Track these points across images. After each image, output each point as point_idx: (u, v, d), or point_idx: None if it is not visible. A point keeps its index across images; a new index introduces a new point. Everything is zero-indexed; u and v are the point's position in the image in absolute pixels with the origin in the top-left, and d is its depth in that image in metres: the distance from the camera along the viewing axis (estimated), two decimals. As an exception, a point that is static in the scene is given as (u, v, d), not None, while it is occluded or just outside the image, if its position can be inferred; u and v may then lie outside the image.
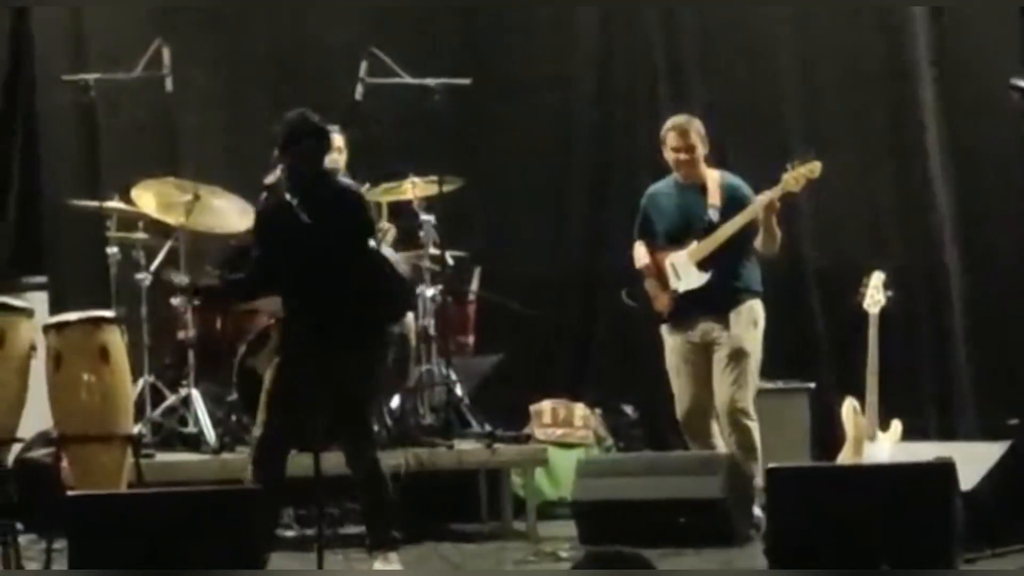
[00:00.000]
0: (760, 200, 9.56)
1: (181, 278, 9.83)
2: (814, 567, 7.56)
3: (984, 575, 7.72)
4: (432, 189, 10.30)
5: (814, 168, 9.65)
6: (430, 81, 10.45)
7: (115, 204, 10.40)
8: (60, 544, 8.10)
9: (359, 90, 10.44)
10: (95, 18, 11.67)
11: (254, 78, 11.81)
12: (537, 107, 11.99)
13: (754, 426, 9.61)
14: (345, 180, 8.69)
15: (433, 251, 10.22)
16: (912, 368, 10.91)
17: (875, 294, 9.93)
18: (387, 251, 8.95)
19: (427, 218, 10.26)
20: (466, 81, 10.58)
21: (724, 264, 9.66)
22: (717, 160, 9.94)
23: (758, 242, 9.67)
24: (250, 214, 10.34)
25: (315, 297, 8.36)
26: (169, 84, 10.54)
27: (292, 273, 8.45)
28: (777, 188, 9.57)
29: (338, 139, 10.17)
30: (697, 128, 9.84)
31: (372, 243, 8.50)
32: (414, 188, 10.38)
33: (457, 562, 8.99)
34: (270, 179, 8.43)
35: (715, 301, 9.68)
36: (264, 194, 8.53)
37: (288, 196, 8.31)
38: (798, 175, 9.61)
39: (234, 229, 10.48)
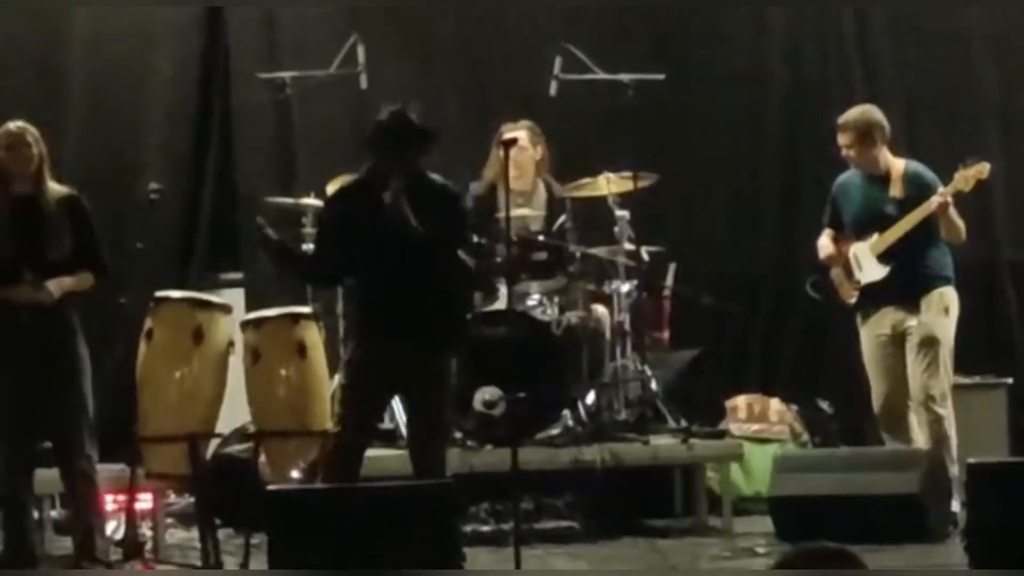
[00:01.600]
0: (933, 199, 9.47)
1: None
2: (1016, 565, 7.55)
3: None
4: (627, 185, 10.30)
5: (983, 170, 9.56)
6: (624, 77, 10.48)
7: (311, 201, 10.51)
8: (257, 539, 8.28)
9: (553, 86, 10.46)
10: (287, 16, 11.79)
11: (445, 72, 11.86)
12: (731, 102, 11.95)
13: (948, 416, 9.53)
14: (441, 180, 8.57)
15: (628, 247, 10.21)
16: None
17: (1073, 287, 9.92)
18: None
19: (622, 214, 10.25)
20: (660, 76, 10.59)
21: (909, 254, 9.60)
22: (907, 148, 9.87)
23: (943, 231, 9.63)
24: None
25: (399, 293, 8.27)
26: (364, 81, 10.67)
27: (374, 267, 8.35)
28: (949, 188, 9.50)
29: (524, 135, 10.30)
30: (867, 120, 9.76)
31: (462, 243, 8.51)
32: (608, 184, 10.37)
33: (653, 558, 9.01)
34: (358, 175, 8.47)
35: (903, 290, 9.64)
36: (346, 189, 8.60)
37: (383, 191, 8.22)
38: (968, 176, 9.52)
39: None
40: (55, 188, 8.49)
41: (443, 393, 8.43)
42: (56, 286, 8.31)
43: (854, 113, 9.87)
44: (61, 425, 8.42)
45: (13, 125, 8.42)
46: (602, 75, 10.51)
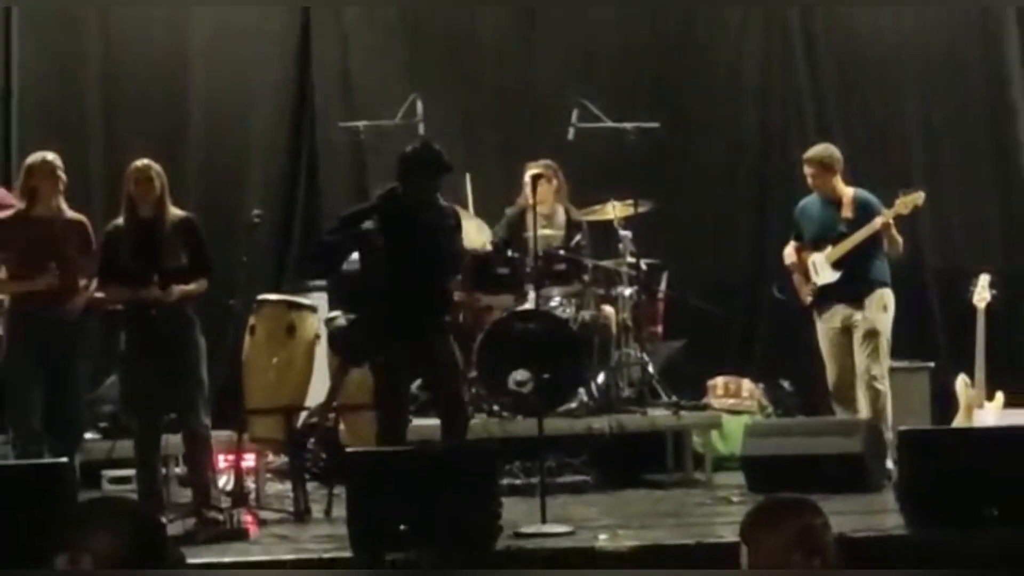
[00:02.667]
0: (877, 220, 9.50)
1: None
2: (934, 508, 7.61)
3: None
4: (629, 210, 10.36)
5: (919, 198, 9.60)
6: (627, 125, 10.52)
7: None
8: (338, 491, 8.34)
9: (571, 132, 10.47)
10: (362, 76, 11.82)
11: (486, 121, 11.86)
12: (712, 143, 11.95)
13: (885, 392, 9.52)
14: (446, 203, 8.57)
15: (630, 259, 10.25)
16: (1011, 351, 10.72)
17: (982, 292, 9.91)
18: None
19: (625, 233, 10.29)
20: (655, 124, 10.64)
21: (856, 263, 9.60)
22: (853, 178, 9.90)
23: (885, 246, 9.64)
24: (486, 231, 10.54)
25: (416, 293, 8.25)
26: (421, 128, 10.65)
27: (394, 271, 8.24)
28: (891, 211, 9.53)
29: (547, 171, 10.27)
30: (830, 155, 9.78)
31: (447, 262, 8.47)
32: (615, 210, 10.43)
33: (650, 505, 9.01)
34: (384, 190, 8.48)
35: (850, 291, 9.64)
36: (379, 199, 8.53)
37: (415, 209, 8.26)
38: (907, 202, 9.54)
39: (473, 243, 10.41)
40: (174, 212, 8.48)
41: (456, 371, 8.53)
42: (175, 289, 8.31)
43: (817, 149, 9.90)
44: (183, 400, 8.40)
45: (140, 163, 8.40)
46: (609, 123, 10.53)
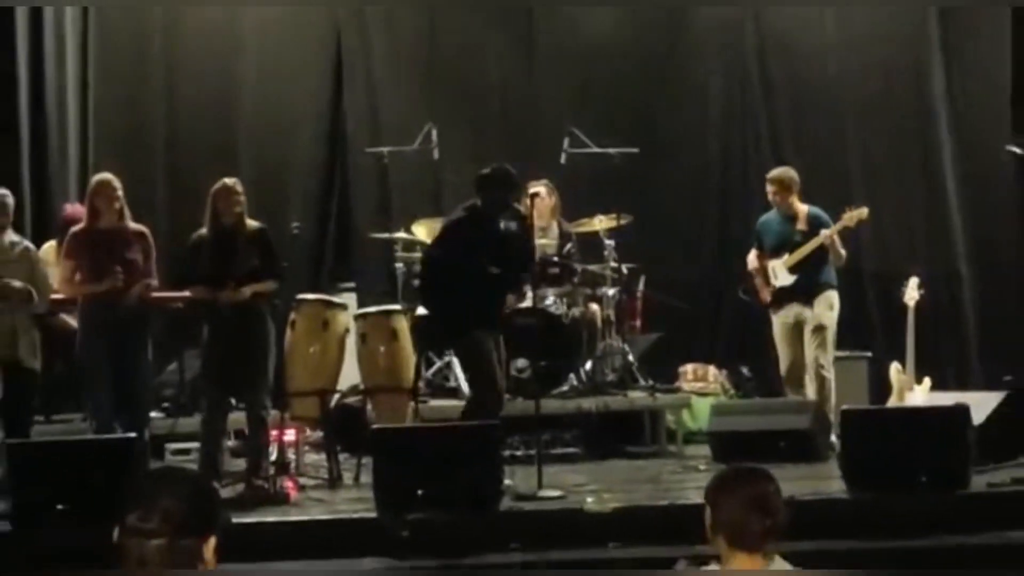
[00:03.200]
0: (825, 233, 9.51)
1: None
2: (870, 474, 7.61)
3: None
4: (612, 223, 10.34)
5: (863, 213, 9.61)
6: (610, 150, 10.53)
7: (401, 235, 10.59)
8: (366, 461, 8.32)
9: (563, 157, 10.48)
10: (386, 110, 11.81)
11: (491, 147, 11.62)
12: (683, 166, 11.89)
13: (830, 378, 9.52)
14: (519, 210, 8.57)
15: (613, 264, 10.23)
16: (937, 342, 10.72)
17: (912, 292, 9.88)
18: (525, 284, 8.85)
19: (609, 242, 10.28)
20: (635, 150, 10.63)
21: (808, 268, 9.60)
22: (806, 196, 9.91)
23: (831, 257, 9.65)
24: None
25: (494, 287, 8.33)
26: (436, 154, 10.71)
27: (477, 268, 8.29)
28: (838, 225, 9.54)
29: (543, 189, 10.24)
30: (789, 177, 9.80)
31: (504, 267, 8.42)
32: (600, 223, 10.44)
33: (630, 473, 9.00)
34: (467, 204, 8.47)
35: (803, 292, 9.62)
36: (460, 214, 8.55)
37: (495, 219, 8.32)
38: (852, 217, 9.56)
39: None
40: (250, 223, 8.54)
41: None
42: (248, 289, 8.35)
43: (778, 171, 9.91)
44: (251, 386, 8.41)
45: (229, 180, 8.50)
46: (596, 149, 10.53)
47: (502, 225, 8.40)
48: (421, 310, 9.50)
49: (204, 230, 8.48)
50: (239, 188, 8.49)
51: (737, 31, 11.96)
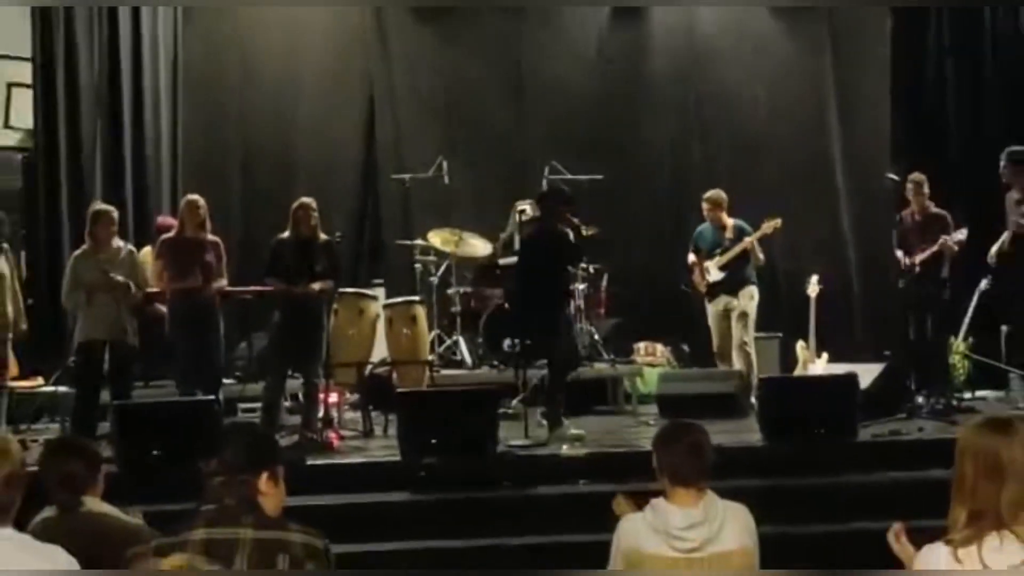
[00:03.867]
0: (747, 240, 9.54)
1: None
2: (784, 430, 7.65)
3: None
4: (583, 234, 10.34)
5: (777, 223, 9.62)
6: (581, 177, 10.47)
7: (419, 242, 10.55)
8: (392, 417, 8.32)
9: (544, 183, 10.35)
10: (408, 141, 11.64)
11: (487, 172, 11.62)
12: (641, 186, 11.68)
13: (752, 353, 9.53)
14: (563, 231, 8.48)
15: (583, 265, 10.04)
16: (833, 324, 10.68)
17: (813, 286, 9.96)
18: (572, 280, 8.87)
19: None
20: (600, 176, 10.62)
21: (735, 267, 9.60)
22: (732, 211, 9.89)
23: (752, 258, 9.65)
24: (489, 247, 10.53)
25: (544, 284, 8.30)
26: (447, 179, 10.69)
27: (532, 270, 8.37)
28: (757, 233, 9.56)
29: (528, 207, 10.21)
30: (720, 197, 9.79)
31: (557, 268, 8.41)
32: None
33: (597, 426, 8.93)
34: (527, 217, 8.44)
35: (730, 287, 9.62)
36: (522, 228, 8.56)
37: (554, 227, 8.31)
38: (769, 225, 9.58)
39: (480, 255, 10.55)
40: (322, 235, 8.56)
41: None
42: (316, 286, 8.39)
43: (712, 192, 9.89)
44: (308, 359, 8.45)
45: (306, 199, 8.54)
46: (569, 176, 10.46)
47: (559, 231, 8.35)
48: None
49: (285, 234, 8.49)
50: (314, 206, 8.52)
51: (683, 83, 11.89)
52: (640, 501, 4.07)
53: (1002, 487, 3.06)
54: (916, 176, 9.48)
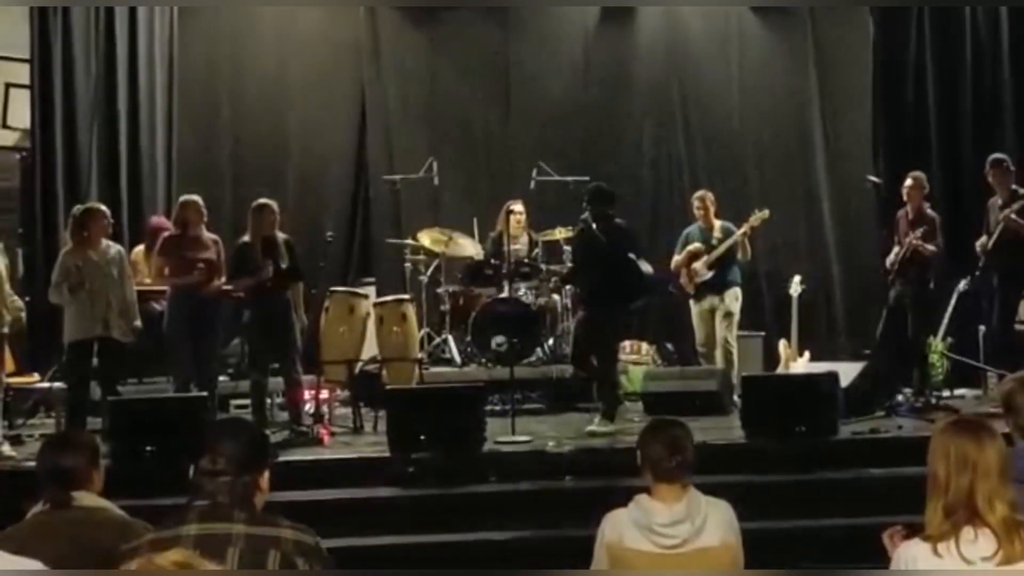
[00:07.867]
0: (736, 234, 9.52)
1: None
2: (765, 427, 7.64)
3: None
4: (569, 233, 10.15)
5: (766, 214, 9.58)
6: (567, 179, 10.49)
7: (409, 241, 10.59)
8: (381, 413, 8.32)
9: (533, 183, 10.44)
10: (399, 143, 11.68)
11: (479, 174, 11.73)
12: (625, 190, 11.55)
13: (735, 352, 9.52)
14: (620, 220, 8.45)
15: (569, 265, 10.09)
16: (814, 324, 10.74)
17: (795, 286, 9.96)
18: (643, 264, 8.58)
19: (567, 248, 10.19)
20: (586, 178, 10.51)
21: (721, 268, 9.57)
22: (719, 212, 9.91)
23: (739, 255, 9.61)
24: (478, 247, 10.52)
25: (606, 281, 8.23)
26: (436, 180, 10.70)
27: (594, 268, 8.33)
28: (745, 227, 9.52)
29: (518, 207, 10.29)
30: (710, 198, 9.80)
31: (632, 254, 8.34)
32: (561, 233, 10.38)
33: (582, 422, 8.77)
34: (585, 216, 8.39)
35: (716, 287, 9.59)
36: (580, 227, 8.51)
37: (594, 228, 8.23)
38: (757, 218, 9.54)
39: (470, 255, 10.55)
40: (280, 235, 8.50)
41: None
42: (280, 283, 8.36)
43: (703, 192, 9.90)
44: (284, 356, 8.41)
45: (265, 200, 8.49)
46: (556, 177, 10.52)
47: (606, 228, 8.27)
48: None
49: (246, 237, 8.43)
50: (275, 207, 8.46)
51: (665, 90, 11.92)
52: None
53: (974, 482, 3.12)
54: (916, 175, 9.40)
